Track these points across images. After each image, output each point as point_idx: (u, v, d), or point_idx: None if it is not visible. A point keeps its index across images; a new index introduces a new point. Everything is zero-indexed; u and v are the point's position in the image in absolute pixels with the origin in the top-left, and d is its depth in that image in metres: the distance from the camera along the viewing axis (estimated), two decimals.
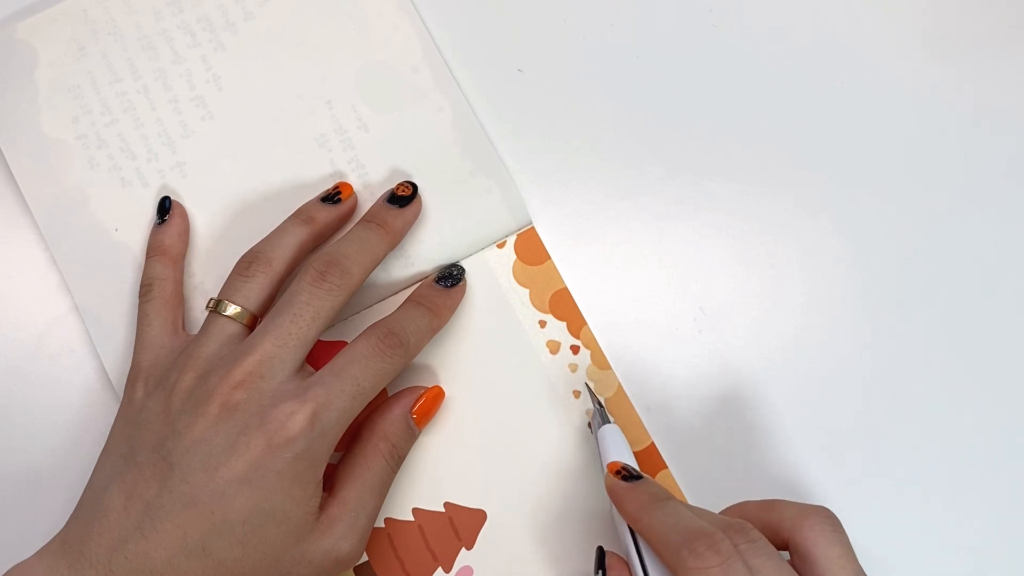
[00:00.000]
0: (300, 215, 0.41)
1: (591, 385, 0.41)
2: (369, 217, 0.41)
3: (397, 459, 0.39)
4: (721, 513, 0.37)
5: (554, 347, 0.42)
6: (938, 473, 0.41)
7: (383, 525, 0.41)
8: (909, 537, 0.40)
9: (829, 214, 0.43)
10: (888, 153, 0.44)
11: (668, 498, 0.35)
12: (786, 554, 0.34)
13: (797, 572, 0.33)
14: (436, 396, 0.41)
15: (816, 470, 0.41)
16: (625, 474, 0.37)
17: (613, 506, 0.37)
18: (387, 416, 0.40)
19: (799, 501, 0.35)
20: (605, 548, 0.37)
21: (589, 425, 0.41)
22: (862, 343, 0.42)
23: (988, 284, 0.43)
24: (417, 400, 0.40)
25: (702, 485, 0.41)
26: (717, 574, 0.31)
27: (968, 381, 0.42)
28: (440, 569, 0.40)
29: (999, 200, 0.43)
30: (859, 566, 0.33)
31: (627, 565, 0.35)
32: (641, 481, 0.36)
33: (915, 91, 0.45)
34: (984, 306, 0.42)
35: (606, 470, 0.37)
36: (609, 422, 0.39)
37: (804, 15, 0.45)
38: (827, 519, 0.34)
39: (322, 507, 0.37)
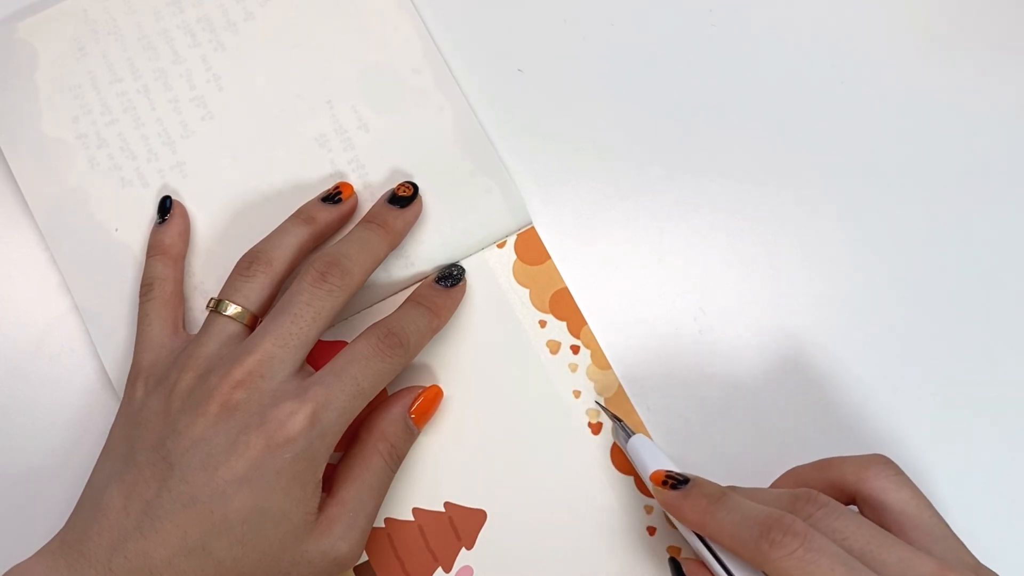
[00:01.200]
0: (300, 215, 0.41)
1: (602, 402, 0.41)
2: (370, 217, 0.41)
3: (396, 459, 0.39)
4: (774, 484, 0.36)
5: (554, 347, 0.42)
6: (942, 471, 0.41)
7: (383, 525, 0.41)
8: None
9: (829, 214, 0.43)
10: (889, 153, 0.44)
11: (724, 493, 0.34)
12: (853, 508, 0.34)
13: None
14: (435, 396, 0.41)
15: None
16: (672, 482, 0.36)
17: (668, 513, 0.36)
18: (386, 416, 0.40)
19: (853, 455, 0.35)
20: (677, 558, 0.35)
21: (586, 425, 0.41)
22: (863, 343, 0.42)
23: (990, 284, 0.43)
24: (415, 400, 0.40)
25: None
26: (803, 555, 0.31)
27: (969, 380, 0.42)
28: (440, 569, 0.40)
29: (1000, 200, 0.43)
30: (930, 503, 0.33)
31: (706, 567, 0.34)
32: (691, 485, 0.35)
33: (916, 91, 0.45)
34: (986, 306, 0.42)
35: (651, 483, 0.36)
36: (633, 435, 0.39)
37: (804, 15, 0.45)
38: (888, 465, 0.34)
39: (321, 507, 0.37)
